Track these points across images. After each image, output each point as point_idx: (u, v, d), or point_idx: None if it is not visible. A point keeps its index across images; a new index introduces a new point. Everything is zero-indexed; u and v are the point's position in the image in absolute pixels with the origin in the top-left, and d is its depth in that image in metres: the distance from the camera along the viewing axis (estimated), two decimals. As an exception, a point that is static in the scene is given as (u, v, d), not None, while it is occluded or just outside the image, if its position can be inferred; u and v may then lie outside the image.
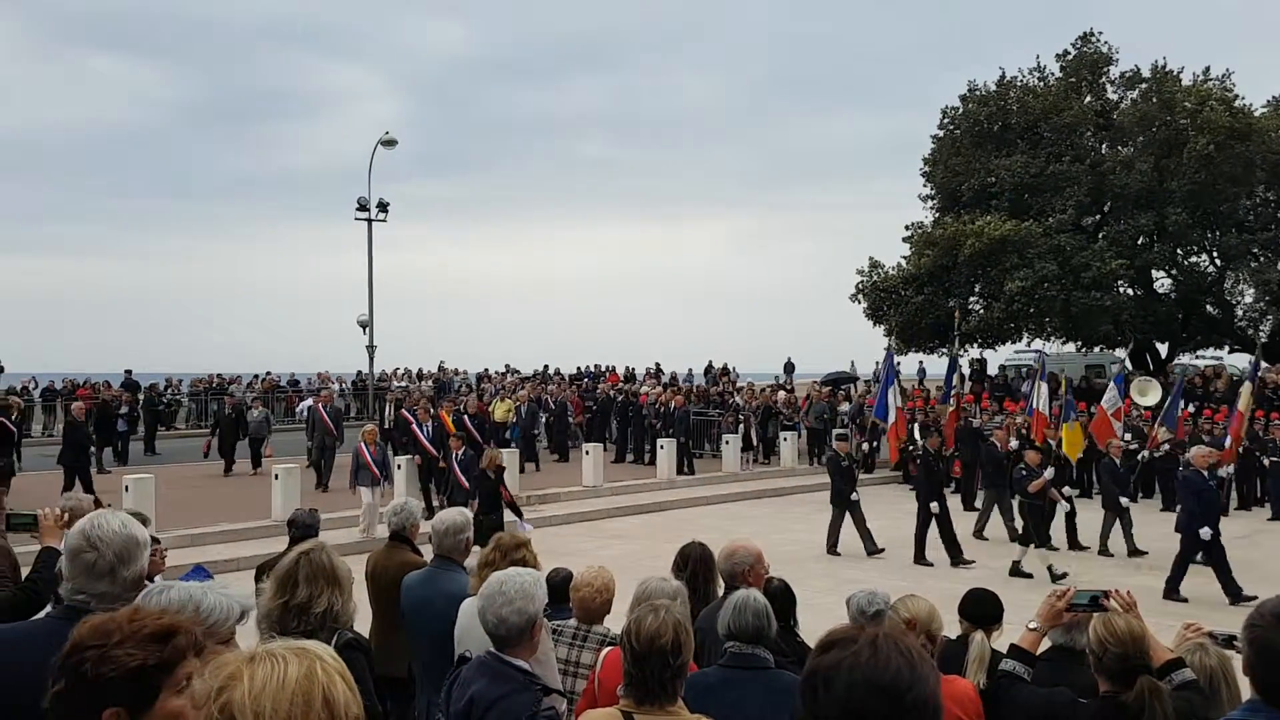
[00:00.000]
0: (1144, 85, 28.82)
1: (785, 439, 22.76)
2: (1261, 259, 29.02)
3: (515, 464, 16.84)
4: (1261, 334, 30.56)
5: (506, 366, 34.53)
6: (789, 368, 38.34)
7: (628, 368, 33.82)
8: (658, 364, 33.68)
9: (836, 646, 1.67)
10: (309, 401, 22.25)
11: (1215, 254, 29.69)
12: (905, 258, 29.87)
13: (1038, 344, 30.38)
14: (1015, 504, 13.50)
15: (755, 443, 23.35)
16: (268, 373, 33.70)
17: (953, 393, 19.77)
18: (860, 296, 30.42)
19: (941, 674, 3.68)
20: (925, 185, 31.89)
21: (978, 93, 30.73)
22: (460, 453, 13.30)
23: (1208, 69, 28.54)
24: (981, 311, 28.34)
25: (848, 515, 14.00)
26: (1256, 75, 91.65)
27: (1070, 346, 30.29)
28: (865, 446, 22.76)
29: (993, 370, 29.98)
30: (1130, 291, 28.84)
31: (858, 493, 14.14)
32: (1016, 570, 12.34)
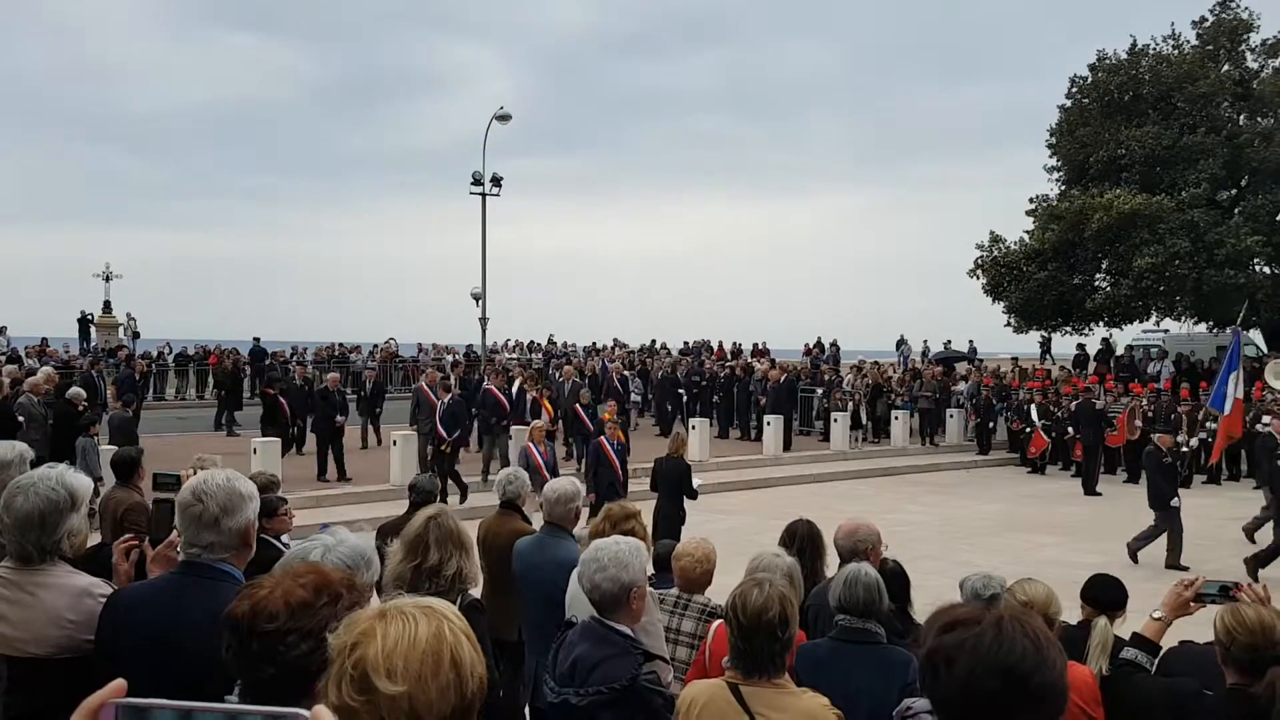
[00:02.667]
0: (1288, 52, 27.11)
1: (897, 418, 22.36)
2: None
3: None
4: None
5: (615, 340, 34.81)
6: (900, 344, 37.51)
7: (734, 343, 33.69)
8: (763, 342, 33.41)
9: (960, 626, 1.66)
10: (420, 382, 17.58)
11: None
12: (1028, 232, 28.98)
13: (1167, 323, 29.15)
14: None
15: (865, 421, 23.02)
16: (389, 339, 32.99)
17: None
18: (979, 272, 29.65)
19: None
20: (1051, 157, 30.74)
21: (1108, 61, 29.41)
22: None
23: (1360, 34, 26.65)
24: (1109, 289, 27.28)
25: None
26: None
27: (1201, 327, 28.90)
28: (1009, 428, 22.14)
29: (1119, 351, 28.83)
30: (1267, 270, 27.33)
31: (1179, 497, 12.19)
32: None
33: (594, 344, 34.89)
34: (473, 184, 26.92)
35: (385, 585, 3.29)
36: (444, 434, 14.46)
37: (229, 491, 2.52)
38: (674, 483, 10.31)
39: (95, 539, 4.28)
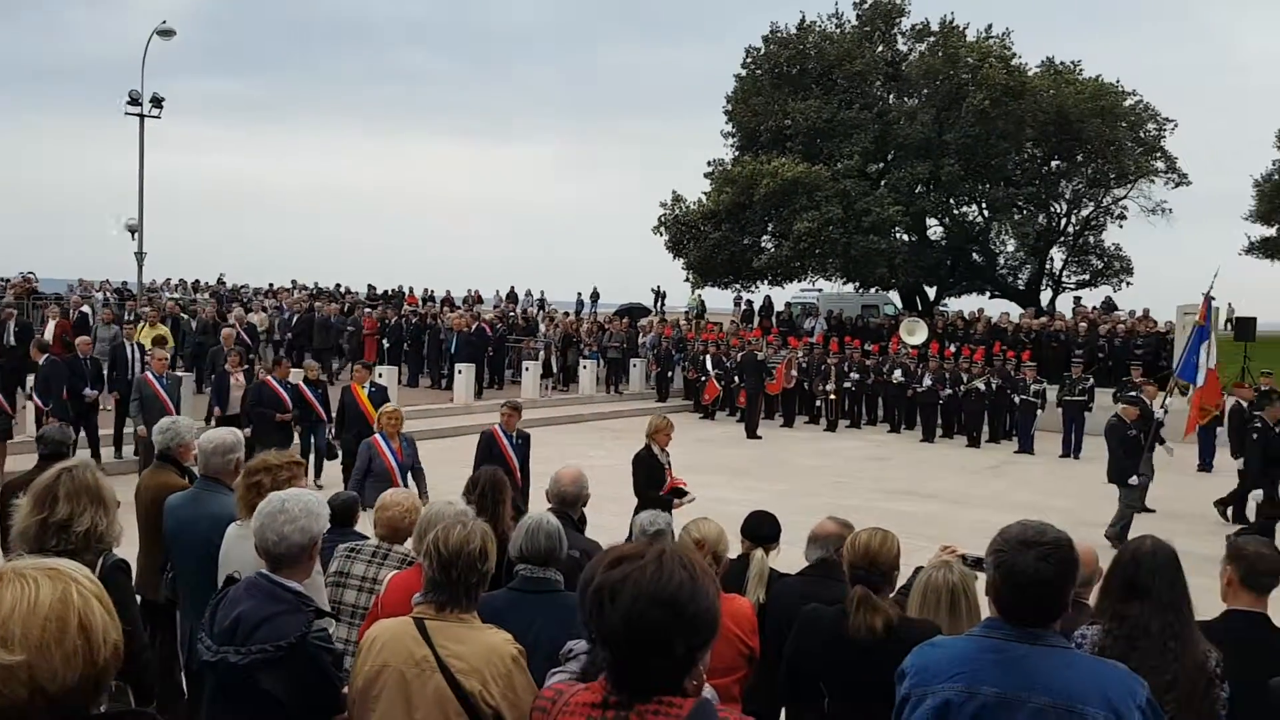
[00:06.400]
0: (932, 39, 30.26)
1: (585, 367, 22.99)
2: (1025, 212, 31.55)
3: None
4: (1019, 282, 33.46)
5: (293, 282, 32.97)
6: (594, 297, 38.69)
7: (426, 289, 33.08)
8: (475, 290, 33.06)
9: (625, 561, 1.75)
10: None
11: (983, 205, 31.93)
12: (706, 193, 30.40)
13: (821, 283, 32.03)
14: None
15: (555, 370, 23.50)
16: (26, 273, 26.14)
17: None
18: (662, 229, 30.78)
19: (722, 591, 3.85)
20: (727, 123, 32.47)
21: (779, 34, 31.32)
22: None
23: (990, 27, 30.42)
24: (773, 250, 29.33)
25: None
26: (1033, 36, 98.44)
27: (849, 287, 31.99)
28: (686, 376, 23.35)
29: (780, 307, 31.28)
30: (905, 237, 30.62)
31: (1150, 475, 11.67)
32: None
33: (270, 285, 32.86)
34: (129, 104, 24.23)
35: (12, 543, 3.05)
36: (39, 403, 11.73)
37: None
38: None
39: None
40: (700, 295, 35.46)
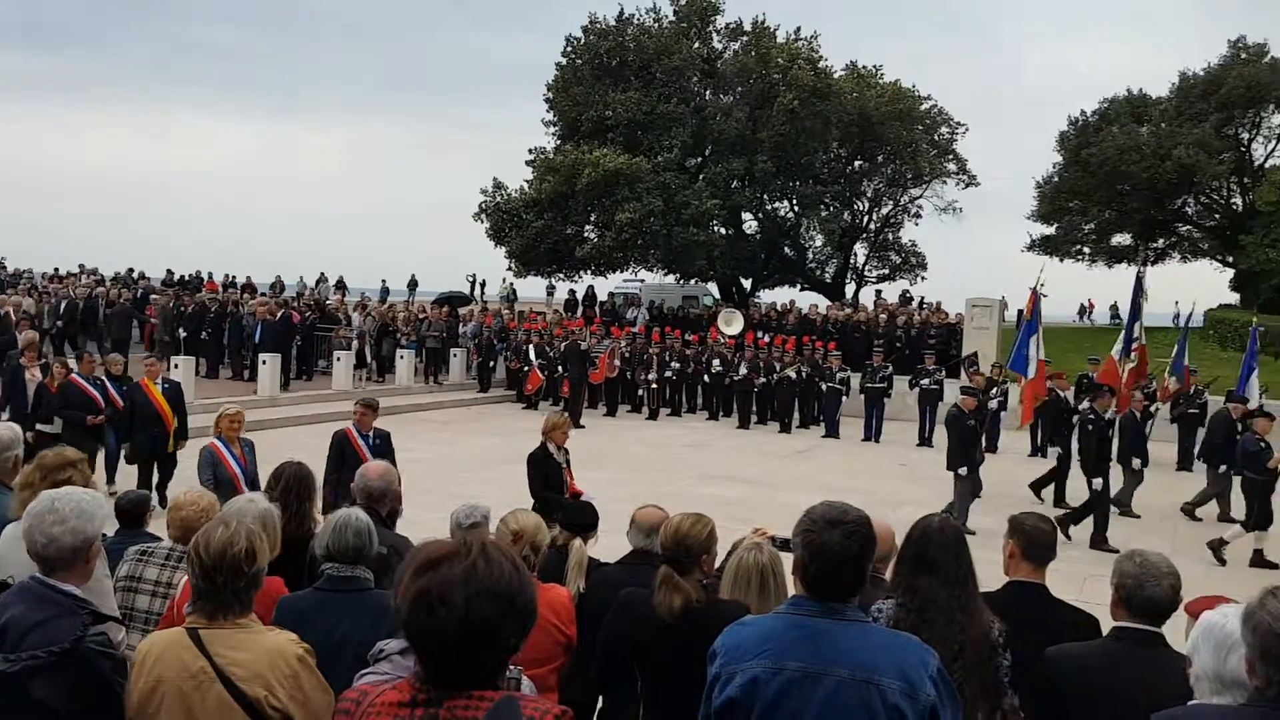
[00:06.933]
0: (745, 38, 31.14)
1: (402, 357, 22.41)
2: (831, 209, 33.04)
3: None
4: (827, 275, 35.06)
5: (80, 266, 30.57)
6: (412, 285, 37.84)
7: (227, 275, 31.40)
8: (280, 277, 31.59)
9: (445, 561, 1.72)
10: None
11: (794, 201, 33.20)
12: (528, 181, 30.22)
13: (643, 274, 32.49)
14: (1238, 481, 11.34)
15: (369, 360, 22.80)
16: None
17: (1134, 345, 15.30)
18: (483, 217, 30.41)
19: (541, 582, 3.85)
20: (549, 111, 32.37)
21: (599, 25, 31.46)
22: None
23: (799, 29, 31.59)
24: (596, 240, 29.49)
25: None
26: (838, 40, 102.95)
27: (671, 278, 32.58)
28: (508, 366, 23.06)
29: (603, 296, 31.48)
30: (723, 230, 31.44)
31: (980, 461, 11.55)
32: (1260, 560, 10.33)
33: (56, 270, 30.35)
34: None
35: None
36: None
37: None
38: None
39: None
40: (511, 283, 35.49)
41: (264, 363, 19.04)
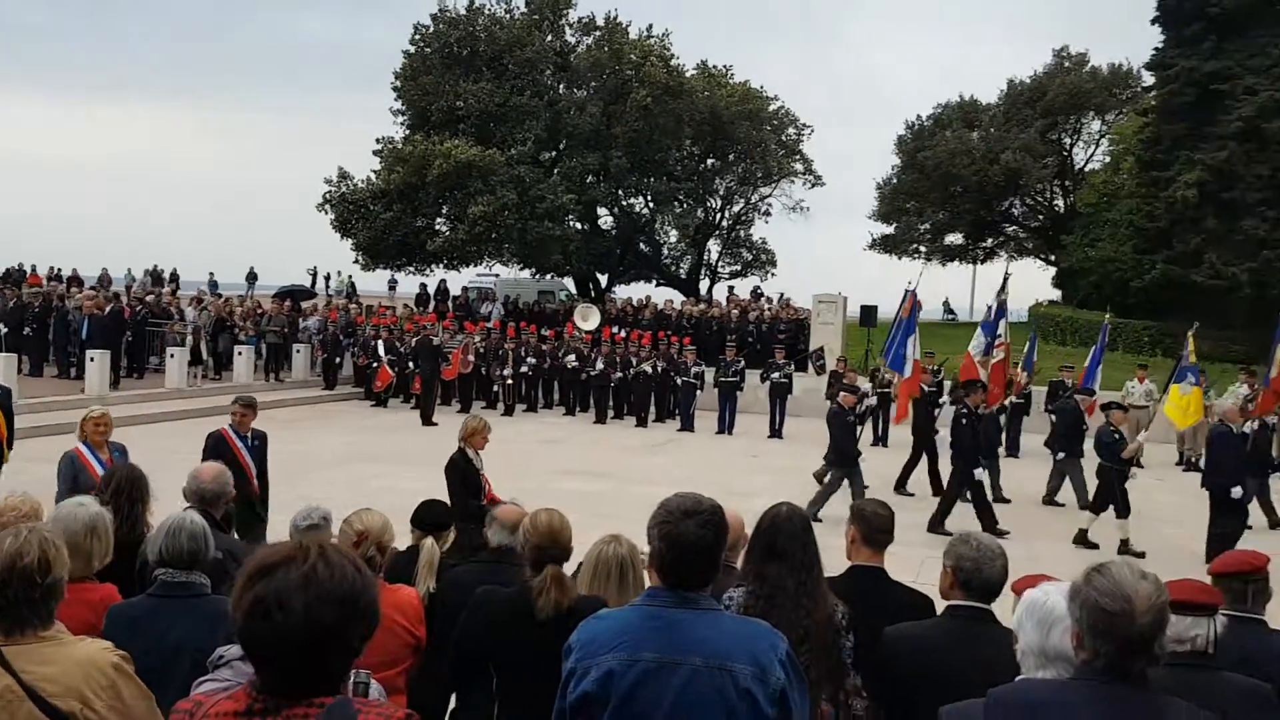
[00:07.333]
0: (598, 33, 31.19)
1: (241, 353, 21.45)
2: (685, 205, 33.54)
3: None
4: (681, 271, 35.59)
5: None
6: (251, 278, 36.37)
7: (52, 268, 29.34)
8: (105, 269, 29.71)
9: (283, 566, 1.68)
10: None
11: (649, 197, 33.54)
12: (375, 172, 29.45)
13: (498, 268, 32.18)
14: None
15: (205, 357, 21.75)
16: None
17: (998, 342, 15.52)
18: (328, 208, 29.46)
19: (388, 583, 3.75)
20: (397, 100, 31.60)
21: (448, 14, 30.87)
22: None
23: (651, 27, 31.86)
24: (448, 233, 29.00)
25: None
26: (690, 39, 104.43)
27: (526, 272, 32.39)
28: (355, 363, 22.33)
29: (456, 291, 31.00)
30: (578, 225, 31.45)
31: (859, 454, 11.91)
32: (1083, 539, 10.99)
33: None
34: None
35: None
36: None
37: None
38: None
39: None
40: (350, 277, 34.71)
41: (92, 360, 17.92)
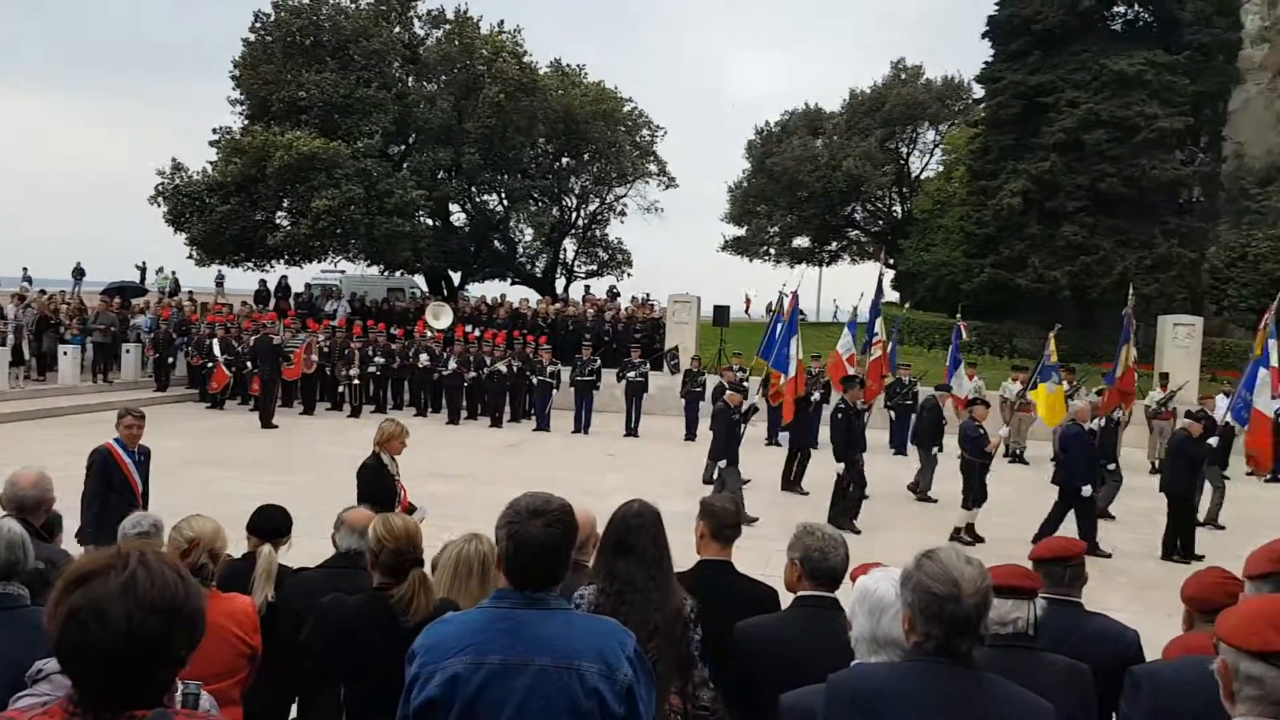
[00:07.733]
0: (448, 26, 30.60)
1: (66, 353, 20.09)
2: (540, 204, 33.36)
3: None
4: (537, 269, 35.40)
5: None
6: (78, 273, 34.19)
7: None
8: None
9: (98, 576, 1.61)
10: None
11: (503, 194, 33.19)
12: (212, 163, 28.05)
13: (344, 264, 31.19)
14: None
15: (27, 357, 20.29)
16: None
17: (875, 340, 16.63)
18: (160, 200, 27.86)
19: (221, 592, 3.59)
20: (235, 89, 30.22)
21: (291, 3, 29.70)
22: None
23: (502, 22, 31.49)
24: (289, 227, 27.87)
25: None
26: (542, 37, 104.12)
27: (374, 269, 31.52)
28: (190, 363, 21.18)
29: (299, 288, 29.89)
30: (429, 221, 30.83)
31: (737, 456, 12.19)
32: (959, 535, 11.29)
33: None
34: None
35: None
36: None
37: None
38: None
39: None
40: (174, 273, 33.26)
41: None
